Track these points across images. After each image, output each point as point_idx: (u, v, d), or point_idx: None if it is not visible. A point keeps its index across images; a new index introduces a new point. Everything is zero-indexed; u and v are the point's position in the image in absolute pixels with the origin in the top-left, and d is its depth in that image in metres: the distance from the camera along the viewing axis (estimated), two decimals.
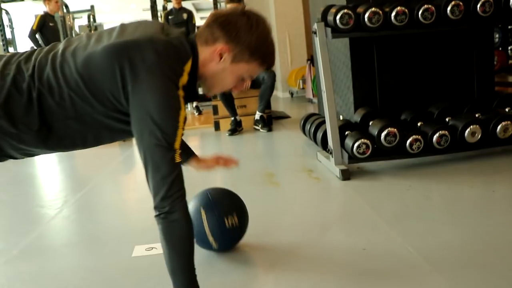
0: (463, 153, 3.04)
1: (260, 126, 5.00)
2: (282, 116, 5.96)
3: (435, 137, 2.87)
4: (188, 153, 1.73)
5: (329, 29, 2.88)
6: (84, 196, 3.08)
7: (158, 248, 1.99)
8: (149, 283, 1.70)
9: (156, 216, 1.29)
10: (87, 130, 1.34)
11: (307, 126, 3.84)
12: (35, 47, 6.24)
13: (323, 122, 3.45)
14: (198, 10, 14.44)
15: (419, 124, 3.07)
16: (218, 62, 1.36)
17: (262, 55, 1.38)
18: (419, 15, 2.82)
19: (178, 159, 1.28)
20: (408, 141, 2.86)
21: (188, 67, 1.32)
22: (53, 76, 1.27)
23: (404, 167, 2.99)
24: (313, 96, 7.24)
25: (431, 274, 1.57)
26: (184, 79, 1.31)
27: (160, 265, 1.83)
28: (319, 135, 3.42)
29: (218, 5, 8.23)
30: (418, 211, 2.24)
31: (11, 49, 8.04)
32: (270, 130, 4.95)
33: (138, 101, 1.25)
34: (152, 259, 1.91)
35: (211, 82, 1.42)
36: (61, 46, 1.36)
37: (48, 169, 4.46)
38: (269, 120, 5.16)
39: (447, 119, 3.08)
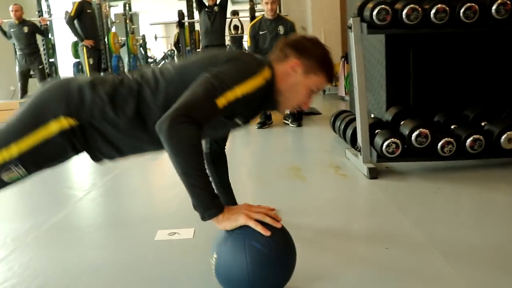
0: (497, 160, 2.95)
1: (290, 120, 4.98)
2: (313, 112, 5.92)
3: (468, 141, 2.79)
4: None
5: (364, 25, 2.83)
6: (112, 180, 3.12)
7: (180, 234, 2.01)
8: (170, 267, 1.71)
9: (165, 124, 1.33)
10: None
11: (337, 123, 3.81)
12: (75, 36, 6.34)
13: (354, 119, 3.41)
14: (234, 2, 14.45)
15: (452, 127, 2.99)
16: (292, 76, 1.56)
17: (327, 68, 1.60)
18: (461, 14, 2.73)
19: (220, 103, 1.39)
20: (440, 143, 2.79)
21: (266, 71, 1.51)
22: (151, 74, 1.55)
23: (434, 169, 2.93)
24: (345, 94, 7.17)
25: (455, 279, 1.53)
26: (266, 73, 1.51)
27: (181, 250, 1.86)
28: (349, 132, 3.38)
29: None
30: (445, 214, 2.19)
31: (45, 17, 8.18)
32: (300, 125, 4.91)
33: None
34: (174, 244, 1.92)
35: (287, 96, 1.59)
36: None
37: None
38: (299, 116, 5.12)
39: (482, 124, 2.99)
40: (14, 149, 1.43)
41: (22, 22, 7.07)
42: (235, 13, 11.29)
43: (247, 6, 7.98)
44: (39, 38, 7.67)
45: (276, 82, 1.56)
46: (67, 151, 1.53)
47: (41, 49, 7.83)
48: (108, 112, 1.49)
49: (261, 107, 1.67)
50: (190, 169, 1.33)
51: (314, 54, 1.58)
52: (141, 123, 1.51)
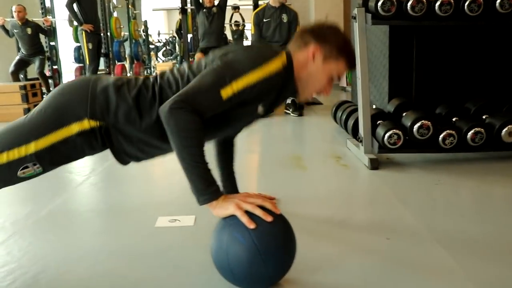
0: (497, 153, 2.95)
1: (291, 110, 4.97)
2: (314, 102, 5.91)
3: (469, 133, 2.80)
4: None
5: (369, 15, 2.81)
6: (112, 165, 3.11)
7: (181, 221, 2.01)
8: (170, 253, 1.71)
9: (166, 107, 1.35)
10: None
11: (339, 113, 3.80)
12: (74, 20, 6.27)
13: (355, 110, 3.41)
14: None
15: (454, 119, 2.99)
16: (311, 62, 1.56)
17: (348, 54, 1.59)
18: (465, 7, 2.72)
19: (225, 94, 1.40)
20: (441, 136, 2.79)
21: (283, 57, 1.50)
22: (171, 76, 1.57)
23: (435, 161, 2.93)
24: (347, 85, 7.16)
25: (455, 269, 1.53)
26: (283, 58, 1.50)
27: (182, 237, 1.86)
28: (350, 122, 3.37)
29: None
30: (446, 206, 2.20)
31: (49, 17, 8.10)
32: (301, 115, 4.90)
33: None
34: (174, 231, 1.93)
35: (306, 83, 1.60)
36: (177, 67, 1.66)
37: None
38: (301, 105, 5.12)
39: (484, 117, 2.99)
40: (32, 147, 1.45)
41: (25, 23, 6.96)
42: (235, 7, 11.18)
43: None
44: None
45: (295, 69, 1.56)
46: (85, 151, 1.55)
47: (44, 46, 7.71)
48: (133, 115, 1.51)
49: (281, 94, 1.63)
50: (186, 154, 1.35)
51: (334, 40, 1.57)
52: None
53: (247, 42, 12.39)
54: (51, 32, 8.07)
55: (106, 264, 1.65)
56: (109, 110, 1.50)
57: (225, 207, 1.35)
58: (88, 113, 1.48)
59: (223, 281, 1.42)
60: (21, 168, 1.46)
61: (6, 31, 7.09)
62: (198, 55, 6.91)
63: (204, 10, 6.41)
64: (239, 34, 11.66)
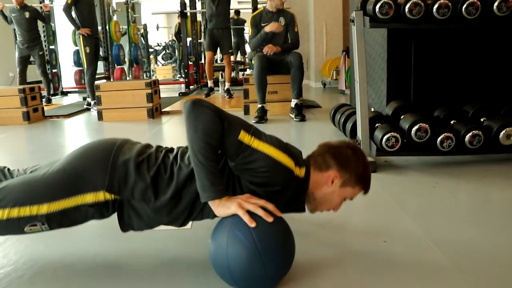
0: (495, 156, 2.95)
1: (294, 114, 4.92)
2: (313, 105, 5.91)
3: (467, 136, 2.79)
4: None
5: (367, 18, 2.81)
6: None
7: None
8: (167, 255, 1.71)
9: (189, 102, 1.41)
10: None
11: (337, 116, 3.80)
12: (71, 24, 6.27)
13: (354, 113, 3.41)
14: None
15: (452, 122, 2.99)
16: (329, 186, 1.57)
17: (365, 181, 1.62)
18: (463, 10, 2.72)
19: (241, 137, 1.42)
20: (439, 138, 2.79)
21: (301, 169, 1.52)
22: None
23: (433, 164, 2.93)
24: (346, 88, 7.16)
25: (452, 272, 1.53)
26: (301, 170, 1.52)
27: (179, 240, 1.85)
28: (349, 125, 3.37)
29: None
30: (444, 208, 2.19)
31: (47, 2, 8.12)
32: (303, 119, 4.86)
33: None
34: (171, 233, 1.92)
35: (320, 202, 1.61)
36: None
37: (77, 141, 4.54)
38: (300, 109, 5.10)
39: (482, 119, 2.99)
40: (45, 208, 1.46)
41: (23, 7, 7.00)
42: (236, 12, 11.38)
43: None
44: (40, 24, 7.63)
45: (310, 186, 1.57)
46: (93, 218, 1.56)
47: (42, 35, 7.78)
48: (149, 194, 1.51)
49: (285, 199, 1.56)
50: (199, 147, 1.38)
51: (355, 169, 1.58)
52: (178, 201, 1.53)
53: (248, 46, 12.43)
54: (49, 19, 8.09)
55: (103, 267, 1.65)
56: (126, 185, 1.50)
57: (227, 206, 1.38)
58: (105, 185, 1.49)
59: (220, 283, 1.42)
60: (29, 225, 1.47)
61: (5, 17, 7.14)
62: (208, 54, 6.99)
63: None
64: (239, 35, 11.72)
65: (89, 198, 1.49)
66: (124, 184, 1.50)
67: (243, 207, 1.37)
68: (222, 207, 1.39)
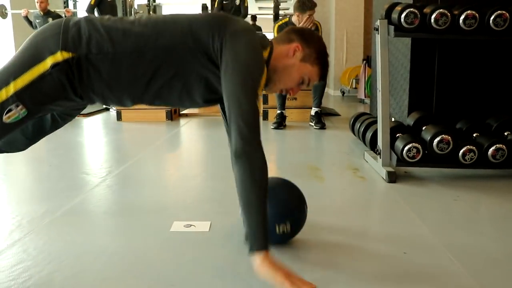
0: None
1: (314, 122, 4.90)
2: (332, 113, 5.88)
3: (491, 149, 2.75)
4: None
5: (392, 27, 2.79)
6: (128, 168, 3.13)
7: (196, 226, 2.00)
8: (184, 258, 1.70)
9: (237, 156, 1.40)
10: (178, 69, 1.53)
11: (357, 125, 3.77)
12: None
13: (374, 122, 3.38)
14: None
15: (474, 135, 2.95)
16: (290, 57, 1.63)
17: (323, 63, 1.68)
18: (491, 21, 2.68)
19: (260, 94, 1.50)
20: (462, 151, 2.75)
21: (266, 53, 1.59)
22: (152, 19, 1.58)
23: (454, 177, 2.88)
24: (365, 97, 7.12)
25: (473, 286, 1.50)
26: (266, 54, 1.60)
27: (197, 243, 1.85)
28: (369, 134, 3.34)
29: None
30: (465, 222, 2.16)
31: (70, 8, 8.24)
32: (323, 127, 4.83)
33: (231, 48, 1.48)
34: (189, 236, 1.92)
35: (279, 76, 1.65)
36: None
37: (95, 140, 4.58)
38: (320, 117, 5.07)
39: (506, 133, 2.94)
40: (12, 87, 1.44)
41: (47, 13, 7.10)
42: (253, 18, 11.30)
43: (270, 4, 7.97)
44: None
45: (272, 60, 1.63)
46: (65, 88, 1.50)
47: None
48: (106, 45, 1.50)
49: None
50: (255, 198, 1.39)
51: (316, 47, 1.66)
52: (138, 56, 1.51)
53: None
54: None
55: (120, 266, 1.65)
56: (81, 40, 1.49)
57: (273, 271, 1.34)
58: (60, 45, 1.47)
59: (238, 286, 1.41)
60: (5, 113, 1.45)
61: (30, 22, 7.23)
62: None
63: (225, 1, 6.79)
64: None
65: (48, 62, 1.46)
66: (79, 39, 1.49)
67: (291, 281, 1.33)
68: (267, 268, 1.34)
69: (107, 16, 1.58)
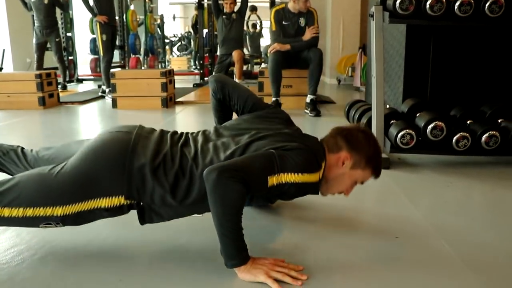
0: None
1: (309, 109, 4.90)
2: (327, 101, 5.89)
3: (484, 136, 2.76)
4: None
5: (387, 13, 2.78)
6: None
7: None
8: (178, 242, 1.71)
9: (215, 172, 1.36)
10: None
11: (352, 112, 3.77)
12: (88, 11, 6.29)
13: (368, 109, 3.38)
14: None
15: (468, 122, 2.96)
16: (340, 167, 1.61)
17: (375, 165, 1.64)
18: (486, 8, 2.68)
19: (270, 181, 1.42)
20: (455, 138, 2.76)
21: (322, 170, 1.56)
22: (216, 159, 1.51)
23: (447, 163, 2.90)
24: (361, 85, 7.12)
25: (463, 271, 1.51)
26: (322, 171, 1.56)
27: (190, 226, 1.85)
28: (363, 121, 3.35)
29: None
30: (457, 208, 2.17)
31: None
32: (318, 115, 4.83)
33: None
34: (182, 220, 1.91)
35: (331, 184, 1.63)
36: (214, 135, 1.66)
37: (91, 127, 4.57)
38: (315, 105, 5.08)
39: (499, 120, 2.95)
40: (59, 211, 1.45)
41: None
42: (253, 9, 11.11)
43: None
44: (58, 12, 7.66)
45: (324, 171, 1.59)
46: (109, 217, 1.56)
47: (60, 22, 7.82)
48: (169, 200, 1.50)
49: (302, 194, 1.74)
50: (225, 221, 1.37)
51: (366, 150, 1.61)
52: (200, 203, 1.51)
53: (264, 41, 12.37)
54: (67, 6, 8.12)
55: (113, 249, 1.66)
56: (145, 192, 1.49)
57: (254, 274, 1.40)
58: (123, 193, 1.48)
59: (228, 270, 1.42)
60: (43, 223, 1.48)
61: (25, 4, 7.17)
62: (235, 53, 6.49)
63: (224, 16, 6.43)
64: (255, 43, 11.63)
65: (104, 202, 1.47)
66: (143, 191, 1.49)
67: (270, 275, 1.39)
68: (248, 274, 1.40)
69: (169, 162, 1.51)
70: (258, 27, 11.74)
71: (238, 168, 1.38)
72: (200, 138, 1.63)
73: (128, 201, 1.49)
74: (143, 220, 1.57)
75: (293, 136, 1.61)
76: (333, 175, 1.61)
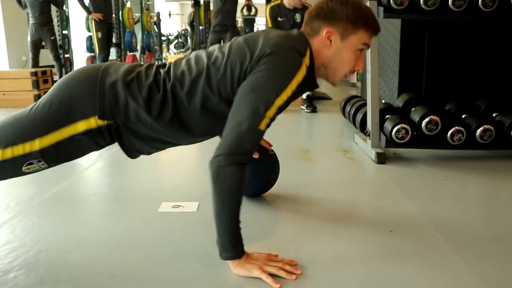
0: (506, 151, 2.92)
1: (305, 106, 4.90)
2: (323, 97, 5.88)
3: (478, 130, 2.77)
4: None
5: (381, 8, 2.78)
6: (119, 151, 3.09)
7: (184, 207, 2.01)
8: (172, 238, 1.71)
9: (215, 164, 1.33)
10: (211, 121, 1.50)
11: (347, 108, 3.78)
12: (83, 9, 6.27)
13: (364, 104, 3.39)
14: None
15: (463, 116, 2.96)
16: (330, 46, 1.47)
17: (366, 20, 1.47)
18: (480, 2, 2.68)
19: (263, 126, 1.36)
20: (450, 132, 2.76)
21: (306, 59, 1.43)
22: (187, 70, 1.46)
23: (442, 158, 2.90)
24: (357, 81, 7.11)
25: (458, 263, 1.52)
26: (306, 60, 1.43)
27: (184, 222, 1.86)
28: (359, 117, 3.35)
29: None
30: (452, 201, 2.18)
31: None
32: (314, 111, 4.83)
33: (259, 68, 1.39)
34: (177, 216, 1.92)
35: (333, 66, 1.51)
36: (193, 55, 1.56)
37: None
38: (311, 101, 5.07)
39: (494, 114, 2.96)
40: (37, 144, 1.41)
41: None
42: (249, 8, 11.25)
43: None
44: (54, 9, 7.62)
45: (315, 59, 1.48)
46: (90, 148, 1.51)
47: (55, 20, 7.78)
48: (144, 116, 1.45)
49: (300, 92, 1.54)
50: (224, 212, 1.37)
51: (344, 14, 1.45)
52: (179, 124, 1.48)
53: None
54: (62, 3, 8.08)
55: (107, 246, 1.65)
56: (118, 108, 1.44)
57: (248, 269, 1.40)
58: (97, 112, 1.42)
59: (223, 264, 1.42)
60: (25, 164, 1.44)
61: (19, 2, 7.12)
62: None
63: None
64: (250, 25, 11.64)
65: (80, 126, 1.42)
66: (116, 107, 1.43)
67: (265, 270, 1.39)
68: (242, 269, 1.40)
69: (143, 77, 1.47)
70: (253, 10, 11.76)
71: (230, 148, 1.33)
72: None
73: (103, 122, 1.43)
74: (124, 147, 1.53)
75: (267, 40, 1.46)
76: (328, 57, 1.48)
